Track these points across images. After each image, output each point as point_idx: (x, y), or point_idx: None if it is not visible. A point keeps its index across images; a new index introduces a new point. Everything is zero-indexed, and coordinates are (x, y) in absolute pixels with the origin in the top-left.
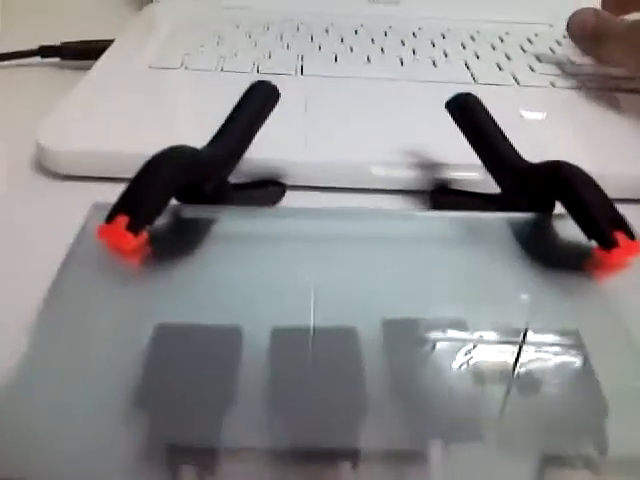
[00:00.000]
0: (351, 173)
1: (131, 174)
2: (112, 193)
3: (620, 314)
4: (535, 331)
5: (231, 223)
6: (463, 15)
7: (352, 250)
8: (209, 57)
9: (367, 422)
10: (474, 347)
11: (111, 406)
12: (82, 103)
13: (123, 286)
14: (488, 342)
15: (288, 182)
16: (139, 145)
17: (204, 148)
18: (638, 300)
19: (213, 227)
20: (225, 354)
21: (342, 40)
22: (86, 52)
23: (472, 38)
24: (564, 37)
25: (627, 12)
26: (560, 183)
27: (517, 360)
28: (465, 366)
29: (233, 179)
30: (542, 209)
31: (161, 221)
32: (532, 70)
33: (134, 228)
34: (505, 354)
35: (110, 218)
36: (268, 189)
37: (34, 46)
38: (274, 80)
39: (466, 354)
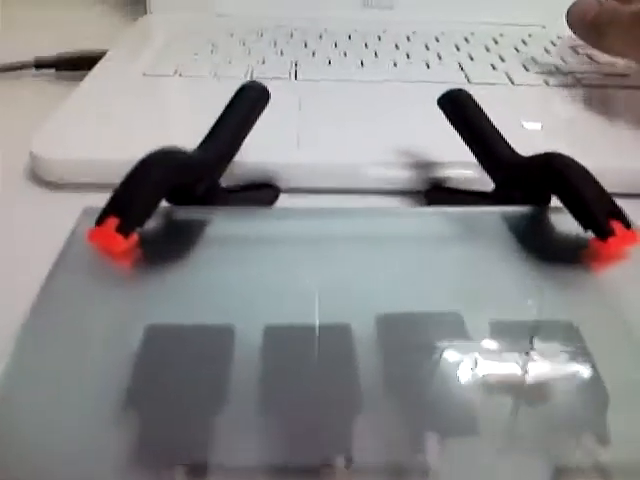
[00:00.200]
0: (345, 174)
1: None
2: (105, 201)
3: (619, 305)
4: (534, 326)
5: (223, 224)
6: (457, 18)
7: (346, 249)
8: (203, 64)
9: (362, 420)
10: (473, 344)
11: (103, 408)
12: (75, 112)
13: (114, 288)
14: (487, 338)
15: (282, 185)
16: (133, 152)
17: (195, 150)
18: (637, 291)
19: (205, 228)
20: (218, 354)
21: (336, 45)
22: (81, 63)
23: (466, 40)
24: (558, 38)
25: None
26: (554, 174)
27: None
28: (464, 364)
29: (226, 183)
30: (537, 202)
31: (152, 223)
32: (526, 69)
33: (124, 230)
34: (504, 351)
35: (100, 221)
36: (261, 192)
37: (30, 58)
38: (268, 85)
39: (465, 351)
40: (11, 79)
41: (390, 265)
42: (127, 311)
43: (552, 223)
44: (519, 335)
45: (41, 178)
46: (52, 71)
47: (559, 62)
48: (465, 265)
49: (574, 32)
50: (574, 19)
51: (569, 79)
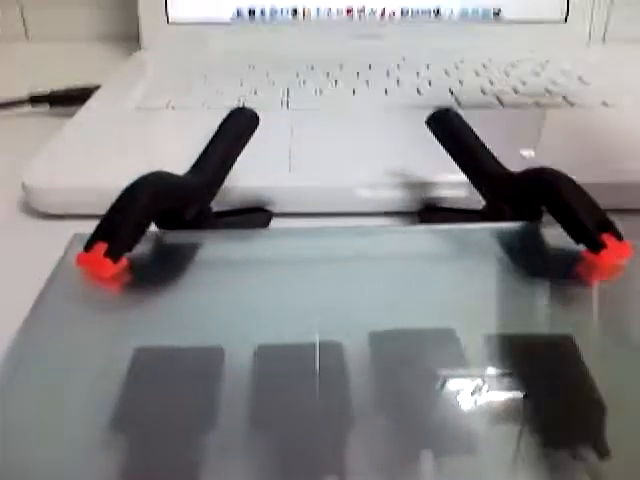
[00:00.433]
0: (337, 197)
1: None
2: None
3: (613, 317)
4: (528, 339)
5: (213, 247)
6: (446, 45)
7: (338, 267)
8: (195, 96)
9: (355, 439)
10: (467, 361)
11: (90, 430)
12: (68, 143)
13: (103, 312)
14: (482, 355)
15: (274, 209)
16: (125, 182)
17: (184, 174)
18: (630, 302)
19: (195, 251)
20: (208, 375)
21: (327, 75)
22: (75, 98)
23: (456, 67)
24: (547, 62)
25: None
26: (545, 187)
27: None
28: (458, 382)
29: (218, 207)
30: (528, 218)
31: (142, 248)
32: (516, 92)
33: (113, 255)
34: (497, 366)
35: (88, 246)
36: (253, 216)
37: (24, 93)
38: (260, 114)
39: (459, 369)
40: (6, 115)
41: (383, 283)
42: (116, 334)
43: (544, 238)
44: (514, 351)
45: (33, 208)
46: (46, 107)
47: (549, 84)
48: (459, 282)
49: None
50: None
51: (559, 99)
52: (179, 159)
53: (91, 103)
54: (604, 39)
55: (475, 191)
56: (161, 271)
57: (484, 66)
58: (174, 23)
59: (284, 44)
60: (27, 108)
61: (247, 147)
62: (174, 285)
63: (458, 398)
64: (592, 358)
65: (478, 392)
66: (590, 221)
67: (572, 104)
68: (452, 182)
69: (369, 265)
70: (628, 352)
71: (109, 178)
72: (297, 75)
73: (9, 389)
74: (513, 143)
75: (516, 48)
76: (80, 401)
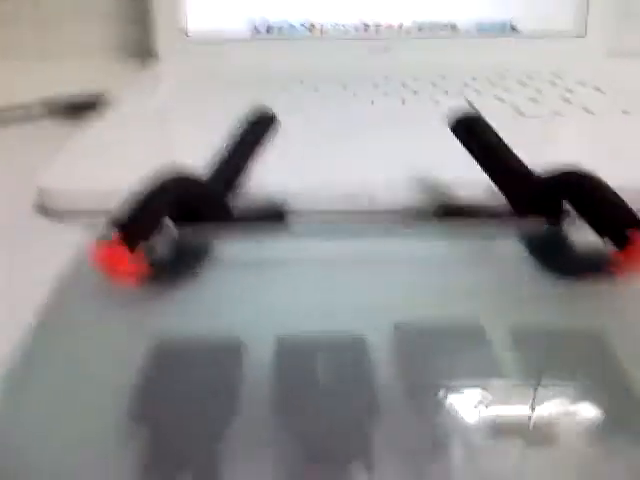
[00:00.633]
0: (354, 197)
1: None
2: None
3: None
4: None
5: (231, 242)
6: (462, 58)
7: (359, 264)
8: (212, 105)
9: (379, 429)
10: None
11: (112, 420)
12: (84, 147)
13: (121, 304)
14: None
15: (290, 211)
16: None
17: (202, 174)
18: None
19: (213, 247)
20: (228, 366)
21: (345, 87)
22: (90, 106)
23: (473, 78)
24: (564, 74)
25: None
26: (570, 183)
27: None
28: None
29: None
30: (554, 221)
31: (159, 244)
32: (534, 102)
33: (129, 242)
34: (525, 361)
35: (104, 238)
36: (270, 218)
37: (39, 103)
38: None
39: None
40: (21, 123)
41: (405, 279)
42: (134, 327)
43: (569, 237)
44: (542, 347)
45: (49, 209)
46: (61, 115)
47: (565, 93)
48: (484, 280)
49: None
50: None
51: (574, 108)
52: (197, 164)
53: (107, 110)
54: (622, 52)
55: (491, 192)
56: (179, 265)
57: (501, 77)
58: (192, 37)
59: (301, 58)
60: (42, 117)
61: (265, 150)
62: (192, 279)
63: (483, 392)
64: (625, 355)
65: (505, 386)
66: (616, 216)
67: (592, 113)
68: (469, 182)
69: (390, 262)
70: None
71: (126, 181)
72: (314, 87)
73: (28, 381)
74: (535, 151)
75: (533, 61)
76: (100, 392)
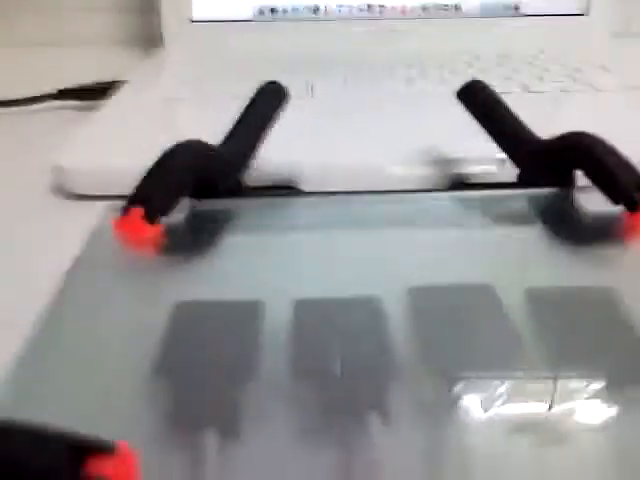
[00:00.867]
0: (367, 174)
1: None
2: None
3: None
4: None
5: (248, 212)
6: (467, 39)
7: (373, 231)
8: (220, 86)
9: (395, 385)
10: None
11: (134, 377)
12: (99, 128)
13: (141, 272)
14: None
15: (303, 187)
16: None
17: (217, 145)
18: None
19: (230, 218)
20: (247, 327)
21: (351, 67)
22: (102, 91)
23: (477, 58)
24: (568, 53)
25: None
26: (580, 150)
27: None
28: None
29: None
30: (562, 185)
31: (177, 215)
32: (540, 80)
33: (150, 218)
34: (536, 321)
35: (125, 211)
36: (283, 193)
37: (52, 89)
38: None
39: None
40: (35, 109)
41: (420, 245)
42: (154, 293)
43: (579, 203)
44: (554, 307)
45: (66, 190)
46: (74, 101)
47: (573, 71)
48: (495, 245)
49: None
50: None
51: (585, 86)
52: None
53: (119, 94)
54: (625, 32)
55: (505, 167)
56: (197, 236)
57: (506, 57)
58: (197, 21)
59: (305, 40)
60: (56, 102)
61: (275, 125)
62: (210, 248)
63: (495, 351)
64: (633, 315)
65: (517, 346)
66: (627, 180)
67: (598, 89)
68: (482, 158)
69: (405, 228)
70: None
71: (140, 159)
72: (321, 68)
73: (53, 344)
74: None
75: (537, 41)
76: (122, 353)
